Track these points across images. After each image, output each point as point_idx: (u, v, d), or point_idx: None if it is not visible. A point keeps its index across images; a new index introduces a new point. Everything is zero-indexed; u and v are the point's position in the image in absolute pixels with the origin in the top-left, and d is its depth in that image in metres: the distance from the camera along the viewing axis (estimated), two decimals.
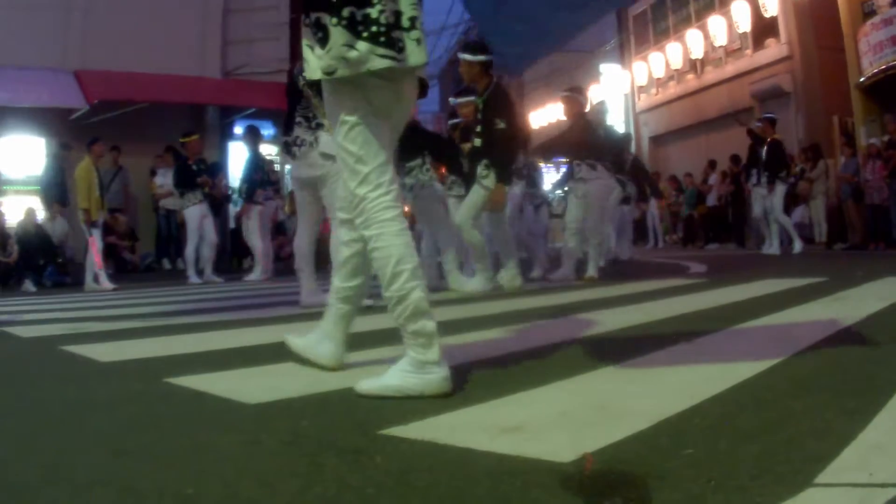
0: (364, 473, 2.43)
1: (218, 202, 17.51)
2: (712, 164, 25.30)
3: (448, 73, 54.36)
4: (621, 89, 35.02)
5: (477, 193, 9.21)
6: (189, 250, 15.50)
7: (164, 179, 19.45)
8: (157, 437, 3.00)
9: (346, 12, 3.43)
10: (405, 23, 3.53)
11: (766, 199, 16.65)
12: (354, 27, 3.43)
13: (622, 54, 35.43)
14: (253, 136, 14.92)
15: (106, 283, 14.23)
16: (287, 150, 7.80)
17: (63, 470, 2.61)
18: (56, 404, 3.75)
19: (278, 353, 4.76)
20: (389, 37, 3.46)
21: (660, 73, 32.21)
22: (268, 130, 21.11)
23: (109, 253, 17.73)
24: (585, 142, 12.78)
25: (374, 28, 3.44)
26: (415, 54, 3.54)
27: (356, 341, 4.36)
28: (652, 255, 20.05)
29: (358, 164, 3.67)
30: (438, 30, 39.32)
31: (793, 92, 25.15)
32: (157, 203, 20.30)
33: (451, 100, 11.11)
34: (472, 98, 9.92)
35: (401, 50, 3.50)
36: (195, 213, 15.03)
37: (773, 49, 25.95)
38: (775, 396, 3.22)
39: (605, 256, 14.12)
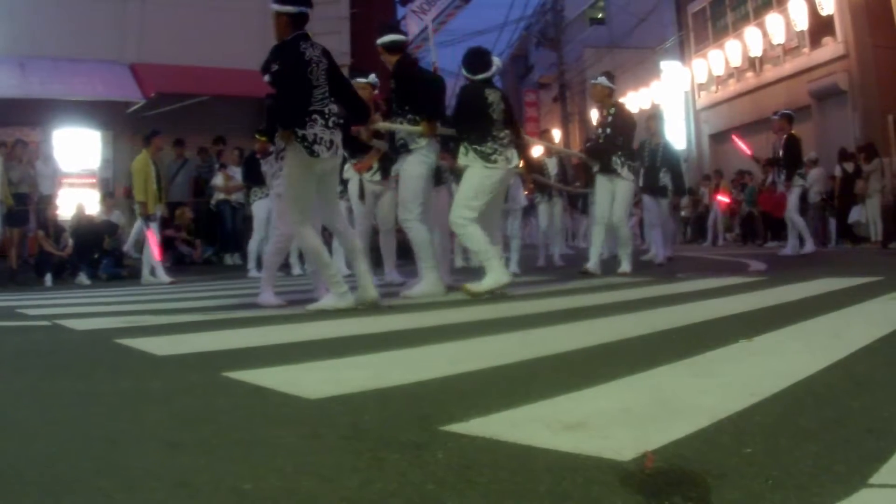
0: (425, 469, 2.39)
1: None
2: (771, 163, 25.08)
3: (511, 69, 54.44)
4: (682, 86, 34.82)
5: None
6: (252, 244, 15.60)
7: (233, 174, 19.37)
8: (213, 431, 2.94)
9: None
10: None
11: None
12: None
13: (682, 51, 35.25)
14: None
15: (163, 277, 14.35)
16: (303, 147, 7.40)
17: (115, 462, 2.56)
18: (110, 396, 3.70)
19: (339, 346, 4.75)
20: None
21: (719, 70, 32.01)
22: None
23: (167, 246, 17.83)
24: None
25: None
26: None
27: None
28: (710, 253, 19.87)
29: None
30: (500, 26, 39.40)
31: (849, 90, 24.93)
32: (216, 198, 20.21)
33: None
34: None
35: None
36: (262, 207, 15.13)
37: (830, 47, 25.74)
38: (834, 394, 3.24)
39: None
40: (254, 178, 15.08)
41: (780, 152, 15.88)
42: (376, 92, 10.51)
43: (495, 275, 8.66)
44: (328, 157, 7.48)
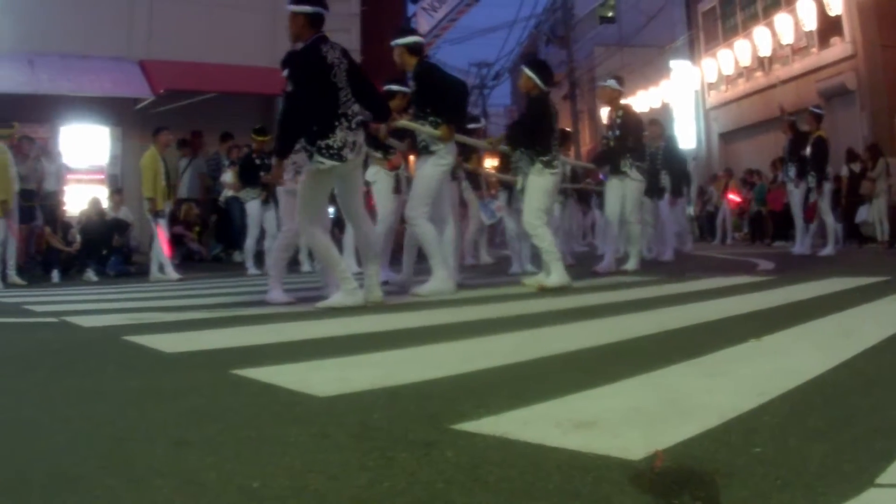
0: (435, 467, 2.39)
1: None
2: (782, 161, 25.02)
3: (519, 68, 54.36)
4: (691, 86, 34.78)
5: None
6: (249, 242, 15.67)
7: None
8: (222, 429, 2.94)
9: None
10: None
11: (794, 195, 16.21)
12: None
13: (692, 51, 35.18)
14: None
15: (172, 273, 14.33)
16: (331, 155, 7.35)
17: (122, 460, 2.56)
18: (118, 394, 3.70)
19: (348, 344, 4.75)
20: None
21: (729, 70, 31.96)
22: None
23: (176, 243, 17.83)
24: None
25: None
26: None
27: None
28: (719, 252, 19.82)
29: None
30: (510, 23, 39.38)
31: (857, 90, 24.85)
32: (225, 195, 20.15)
33: None
34: None
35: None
36: (255, 207, 15.15)
37: (838, 47, 25.66)
38: (842, 394, 3.27)
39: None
40: (248, 178, 15.06)
41: (790, 151, 15.88)
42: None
43: (558, 274, 9.22)
44: (353, 159, 7.53)
